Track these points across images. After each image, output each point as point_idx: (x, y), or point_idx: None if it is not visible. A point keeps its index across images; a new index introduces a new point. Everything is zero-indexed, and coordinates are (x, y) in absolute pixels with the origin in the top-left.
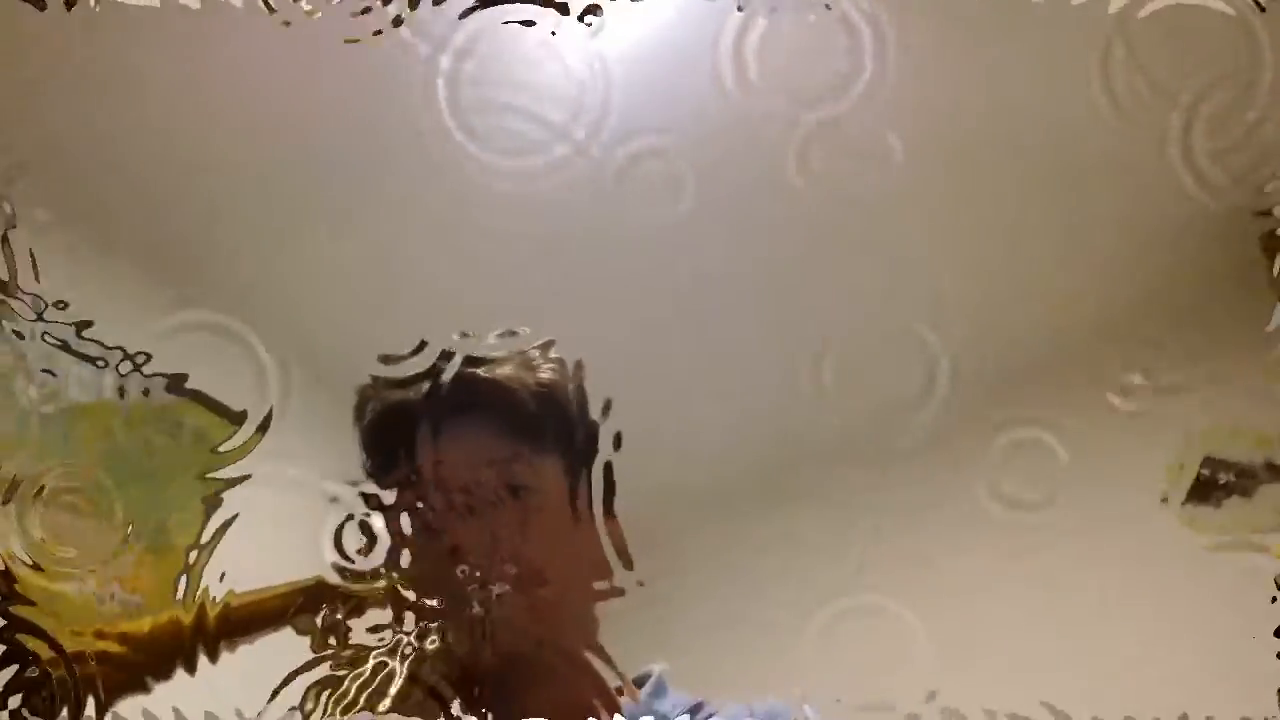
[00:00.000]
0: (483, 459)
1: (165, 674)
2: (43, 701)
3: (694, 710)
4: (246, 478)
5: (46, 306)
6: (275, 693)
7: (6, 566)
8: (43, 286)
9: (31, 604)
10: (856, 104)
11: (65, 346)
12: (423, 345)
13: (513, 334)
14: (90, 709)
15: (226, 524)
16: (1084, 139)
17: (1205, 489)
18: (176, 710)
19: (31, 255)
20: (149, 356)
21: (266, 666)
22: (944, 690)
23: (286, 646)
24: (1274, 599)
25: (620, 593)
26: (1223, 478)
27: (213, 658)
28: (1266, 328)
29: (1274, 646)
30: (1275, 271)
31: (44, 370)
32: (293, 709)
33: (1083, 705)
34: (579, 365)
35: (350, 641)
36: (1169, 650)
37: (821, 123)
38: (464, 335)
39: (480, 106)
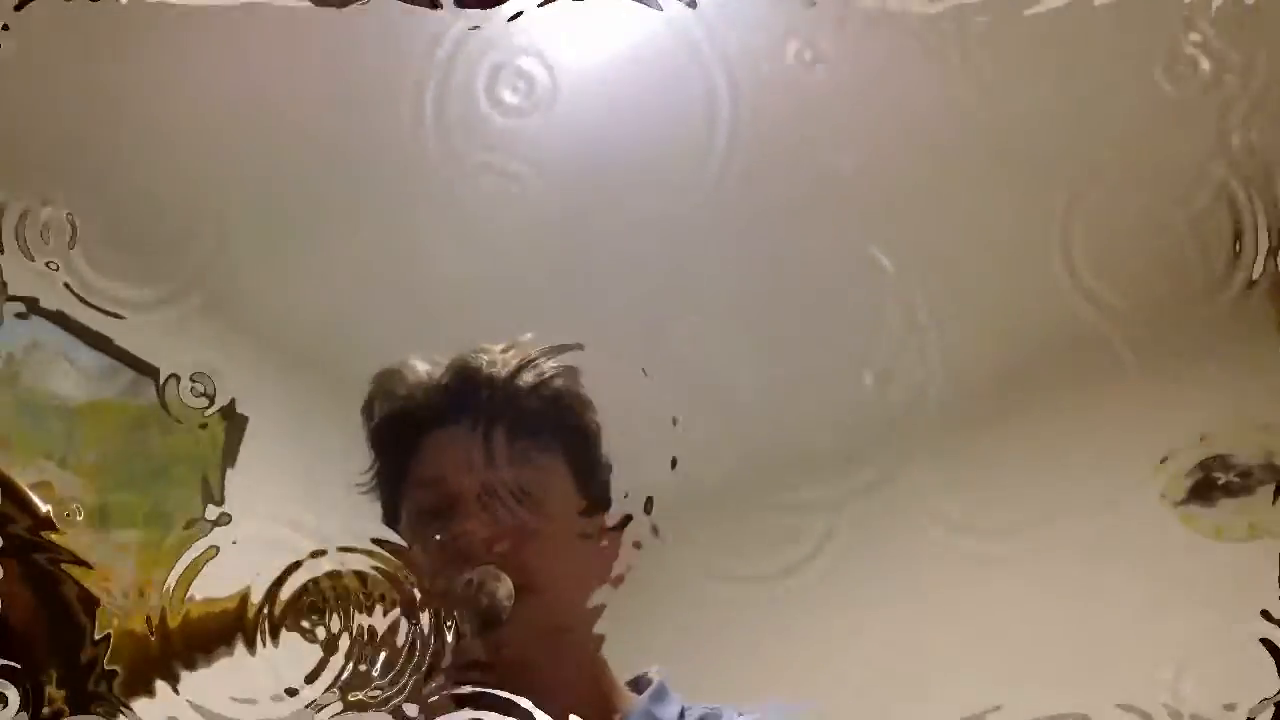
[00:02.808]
0: (486, 461)
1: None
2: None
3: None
4: (249, 478)
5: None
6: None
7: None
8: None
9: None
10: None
11: (69, 347)
12: (429, 348)
13: (518, 338)
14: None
15: (225, 524)
16: (1104, 139)
17: (1205, 487)
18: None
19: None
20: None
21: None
22: (945, 690)
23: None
24: None
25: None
26: (1222, 476)
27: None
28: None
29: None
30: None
31: (48, 370)
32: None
33: (1082, 698)
34: (579, 370)
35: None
36: (1167, 644)
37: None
38: (470, 339)
39: (477, 112)
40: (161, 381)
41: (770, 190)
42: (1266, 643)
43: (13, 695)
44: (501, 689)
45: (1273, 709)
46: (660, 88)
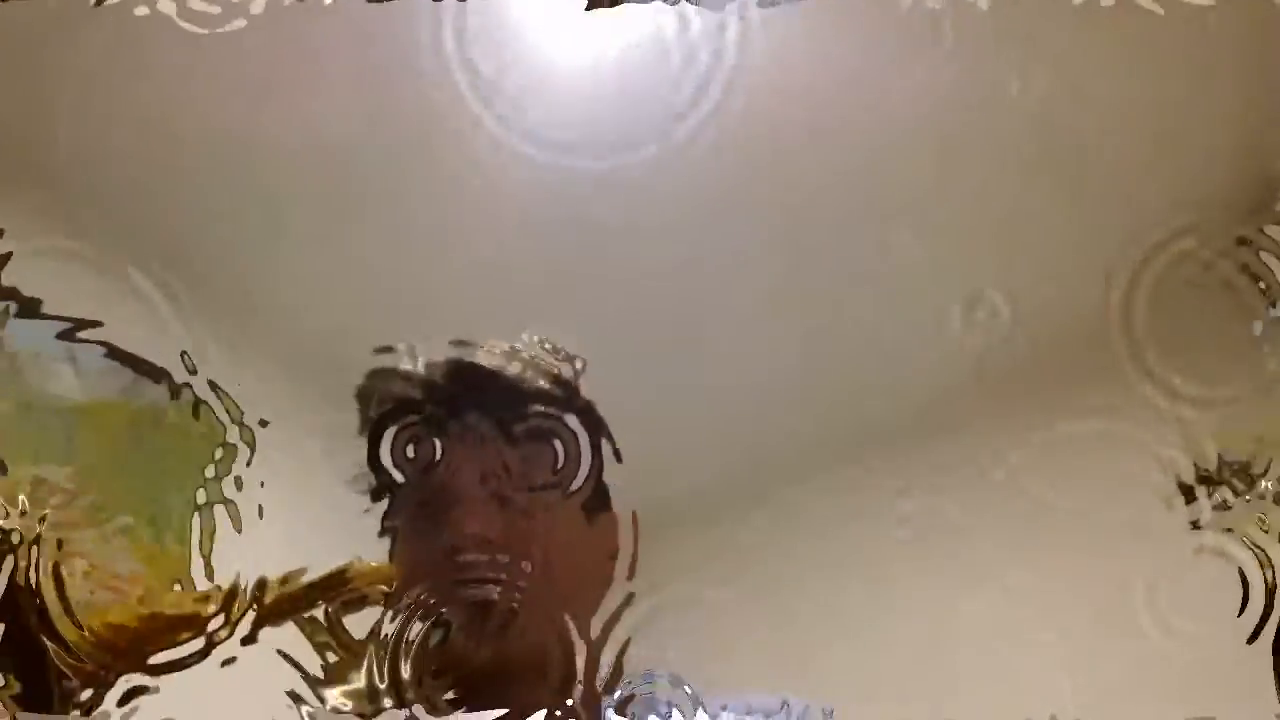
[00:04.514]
0: (484, 457)
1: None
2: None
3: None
4: (248, 477)
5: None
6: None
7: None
8: (43, 286)
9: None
10: (853, 101)
11: (67, 347)
12: (428, 342)
13: (517, 332)
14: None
15: (224, 523)
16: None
17: (1204, 488)
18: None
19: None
20: (150, 358)
21: (265, 662)
22: (943, 691)
23: (283, 641)
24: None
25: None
26: (1221, 477)
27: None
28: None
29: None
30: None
31: (45, 369)
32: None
33: (1082, 709)
34: (582, 363)
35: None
36: (1167, 651)
37: (817, 120)
38: (468, 334)
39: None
40: (165, 382)
41: (776, 187)
42: None
43: None
44: (496, 682)
45: None
46: (665, 82)
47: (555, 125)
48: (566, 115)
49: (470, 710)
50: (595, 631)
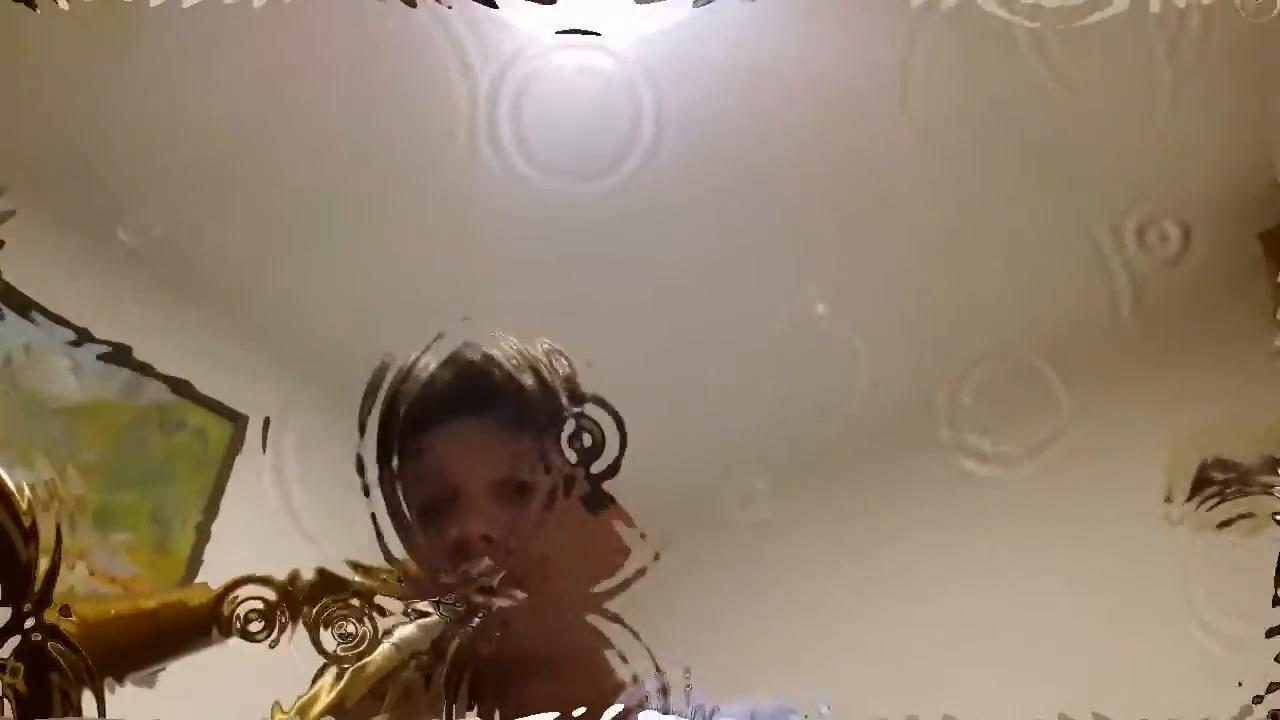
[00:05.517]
0: (487, 454)
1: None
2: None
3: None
4: (248, 476)
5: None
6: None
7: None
8: (42, 286)
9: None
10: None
11: (67, 347)
12: (428, 341)
13: (519, 330)
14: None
15: (226, 523)
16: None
17: (1203, 487)
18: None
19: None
20: (149, 358)
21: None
22: (947, 691)
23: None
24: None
25: (627, 583)
26: (1221, 476)
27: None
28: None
29: (1270, 646)
30: None
31: (46, 369)
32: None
33: (1079, 707)
34: (583, 365)
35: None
36: (1164, 647)
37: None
38: (469, 331)
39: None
40: (164, 382)
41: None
42: None
43: None
44: (500, 681)
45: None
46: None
47: (558, 130)
48: (570, 121)
49: (476, 706)
50: (600, 625)
